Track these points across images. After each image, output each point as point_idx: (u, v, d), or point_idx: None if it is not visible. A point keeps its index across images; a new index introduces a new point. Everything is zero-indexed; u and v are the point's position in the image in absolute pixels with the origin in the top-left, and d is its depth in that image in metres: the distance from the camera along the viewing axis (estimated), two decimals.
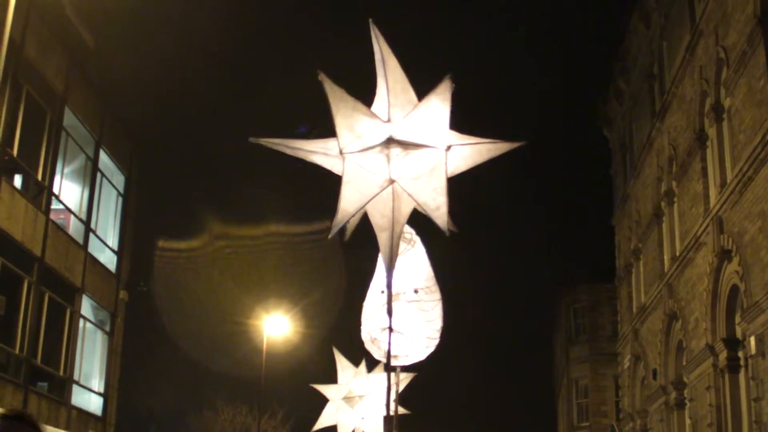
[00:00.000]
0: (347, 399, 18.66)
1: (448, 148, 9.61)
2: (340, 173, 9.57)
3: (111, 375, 34.97)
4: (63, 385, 30.78)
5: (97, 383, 34.40)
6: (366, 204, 9.41)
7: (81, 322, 32.22)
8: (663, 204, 32.50)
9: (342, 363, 19.05)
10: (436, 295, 12.66)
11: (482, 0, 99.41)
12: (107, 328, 34.98)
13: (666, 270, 31.66)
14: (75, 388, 31.56)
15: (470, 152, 9.93)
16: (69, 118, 30.76)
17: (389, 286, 10.11)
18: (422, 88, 9.24)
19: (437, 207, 9.38)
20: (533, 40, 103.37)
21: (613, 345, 46.14)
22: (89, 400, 33.56)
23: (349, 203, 9.34)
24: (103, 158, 34.16)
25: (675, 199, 30.99)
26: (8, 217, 26.15)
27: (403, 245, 11.92)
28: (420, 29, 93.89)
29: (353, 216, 9.52)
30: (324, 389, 19.43)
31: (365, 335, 12.68)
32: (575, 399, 55.89)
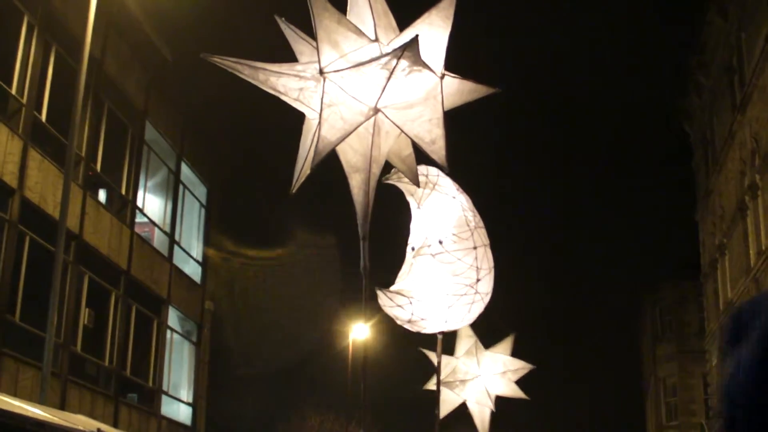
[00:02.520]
0: (448, 383, 18.19)
1: (443, 76, 8.40)
2: (308, 106, 8.41)
3: (199, 385, 35.35)
4: (152, 395, 31.20)
5: (186, 393, 34.81)
6: (351, 132, 8.10)
7: (168, 333, 32.64)
8: (747, 198, 32.01)
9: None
10: (468, 243, 11.63)
11: None
12: (194, 339, 35.39)
13: (752, 264, 31.17)
14: (164, 398, 31.97)
15: (453, 90, 8.54)
16: (150, 133, 31.20)
17: (364, 237, 8.62)
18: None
19: (433, 140, 8.17)
20: (611, 36, 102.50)
21: (700, 342, 45.54)
22: (178, 410, 33.97)
23: (330, 131, 8.07)
24: (185, 171, 34.58)
25: (759, 193, 30.50)
26: (94, 231, 26.60)
27: (419, 190, 11.41)
28: (495, 27, 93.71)
29: (332, 146, 8.13)
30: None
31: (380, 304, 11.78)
32: (663, 398, 55.20)
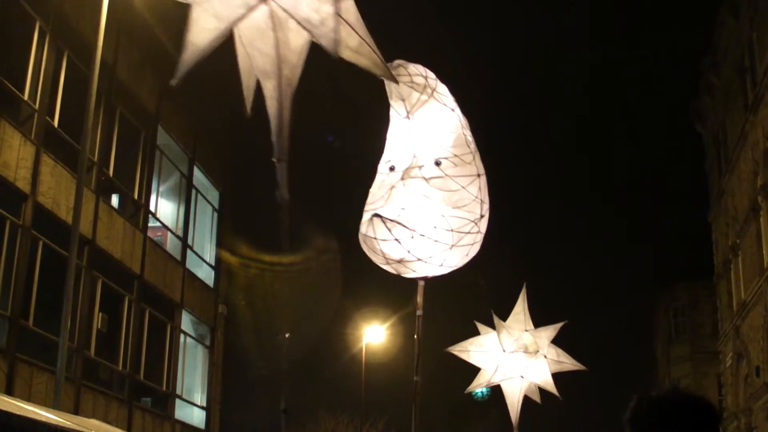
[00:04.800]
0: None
1: None
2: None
3: (213, 388, 35.40)
4: (166, 399, 31.26)
5: (200, 397, 34.87)
6: (225, 30, 6.37)
7: (182, 337, 32.70)
8: (760, 198, 31.94)
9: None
10: (471, 169, 9.54)
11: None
12: (207, 342, 35.45)
13: (765, 265, 31.10)
14: (178, 402, 32.03)
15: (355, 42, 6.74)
16: (162, 137, 31.27)
17: (281, 159, 6.80)
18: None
19: (322, 21, 6.38)
20: (622, 37, 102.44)
21: (714, 343, 45.44)
22: (192, 413, 34.02)
23: (200, 34, 6.59)
24: (198, 175, 34.65)
25: None
26: (107, 236, 26.67)
27: (415, 95, 9.50)
28: (506, 31, 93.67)
29: (203, 53, 6.71)
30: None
31: (361, 233, 9.72)
32: None
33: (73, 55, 24.84)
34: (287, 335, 8.05)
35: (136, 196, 29.34)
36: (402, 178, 9.40)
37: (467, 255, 9.77)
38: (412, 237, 9.28)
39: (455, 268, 9.90)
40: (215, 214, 36.71)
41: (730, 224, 37.42)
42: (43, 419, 13.26)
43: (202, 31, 6.60)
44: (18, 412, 12.18)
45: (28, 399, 20.15)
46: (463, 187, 9.42)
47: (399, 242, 9.33)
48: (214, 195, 36.68)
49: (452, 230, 9.43)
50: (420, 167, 9.36)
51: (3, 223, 21.83)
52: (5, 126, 21.51)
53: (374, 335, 42.91)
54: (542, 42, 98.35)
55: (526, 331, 16.26)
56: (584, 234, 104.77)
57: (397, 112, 9.72)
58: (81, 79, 23.01)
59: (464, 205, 9.45)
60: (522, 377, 16.39)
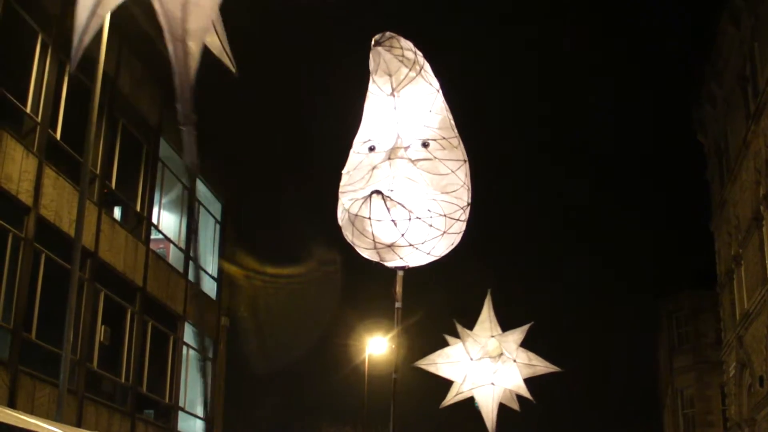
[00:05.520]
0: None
1: None
2: None
3: (215, 401, 35.35)
4: (169, 411, 31.22)
5: (202, 409, 34.81)
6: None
7: (184, 349, 32.66)
8: (762, 208, 31.93)
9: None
10: (458, 153, 9.10)
11: (570, 7, 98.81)
12: (210, 355, 35.40)
13: None
14: (180, 414, 31.99)
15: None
16: (165, 149, 31.29)
17: (185, 123, 6.31)
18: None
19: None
20: (624, 46, 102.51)
21: (717, 353, 45.39)
22: (195, 426, 33.97)
23: (82, 13, 6.28)
24: (200, 187, 34.65)
25: None
26: (109, 248, 26.67)
27: (403, 71, 8.98)
28: (504, 37, 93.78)
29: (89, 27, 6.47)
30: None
31: (342, 213, 9.19)
32: (681, 409, 54.97)
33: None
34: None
35: (138, 209, 29.35)
36: (389, 158, 8.86)
37: (452, 244, 9.38)
38: (410, 219, 8.82)
39: (439, 257, 9.44)
40: (218, 227, 36.70)
41: (733, 234, 37.39)
42: None
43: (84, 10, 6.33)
44: (20, 425, 12.16)
45: (31, 412, 20.15)
46: (452, 171, 9.00)
47: (395, 224, 8.81)
48: (216, 207, 36.68)
49: (445, 215, 9.00)
50: (405, 148, 8.89)
51: (5, 236, 21.84)
52: (8, 139, 21.54)
53: (377, 347, 42.84)
54: (541, 50, 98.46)
55: (492, 336, 15.96)
56: (586, 243, 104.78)
57: (379, 88, 9.23)
58: (83, 92, 23.05)
59: (453, 191, 9.03)
60: (492, 384, 16.03)
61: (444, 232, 9.05)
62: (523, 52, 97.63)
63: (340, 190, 9.16)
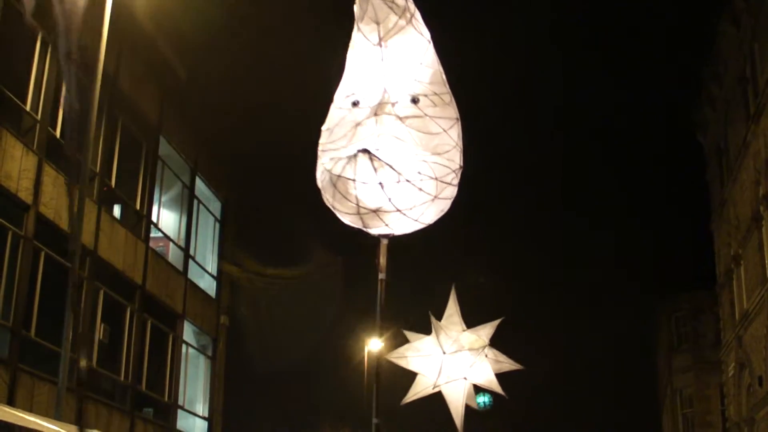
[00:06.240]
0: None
1: None
2: None
3: (215, 399, 35.39)
4: (168, 410, 31.24)
5: (202, 407, 34.85)
6: None
7: (183, 347, 32.70)
8: (762, 208, 31.93)
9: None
10: (450, 111, 8.23)
11: (565, 5, 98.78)
12: (209, 353, 35.44)
13: None
14: (180, 412, 32.02)
15: None
16: (164, 148, 31.32)
17: (69, 56, 5.49)
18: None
19: None
20: (623, 46, 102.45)
21: (716, 353, 45.37)
22: (194, 424, 34.01)
23: None
24: (199, 185, 34.68)
25: None
26: (109, 246, 26.69)
27: (392, 18, 8.25)
28: (503, 35, 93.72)
29: None
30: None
31: (322, 174, 8.34)
32: (680, 410, 54.94)
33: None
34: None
35: (138, 207, 29.37)
36: (375, 114, 8.04)
37: (442, 210, 8.51)
38: (398, 181, 8.01)
39: (427, 225, 8.62)
40: (217, 225, 36.73)
41: (732, 234, 37.39)
42: (46, 430, 13.26)
43: None
44: (20, 423, 12.19)
45: (30, 410, 20.15)
46: (444, 131, 8.18)
47: (382, 187, 7.99)
48: (216, 205, 36.71)
49: (437, 179, 8.17)
50: (393, 104, 8.03)
51: (5, 234, 21.85)
52: (7, 136, 21.56)
53: (377, 346, 42.80)
54: (540, 49, 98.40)
55: (465, 330, 15.56)
56: (585, 244, 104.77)
57: (365, 37, 8.39)
58: (82, 90, 23.05)
59: (445, 152, 8.22)
60: (465, 378, 15.06)
61: (435, 197, 8.21)
62: (519, 50, 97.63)
63: (320, 148, 8.34)
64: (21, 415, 13.59)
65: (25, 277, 22.16)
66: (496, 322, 15.39)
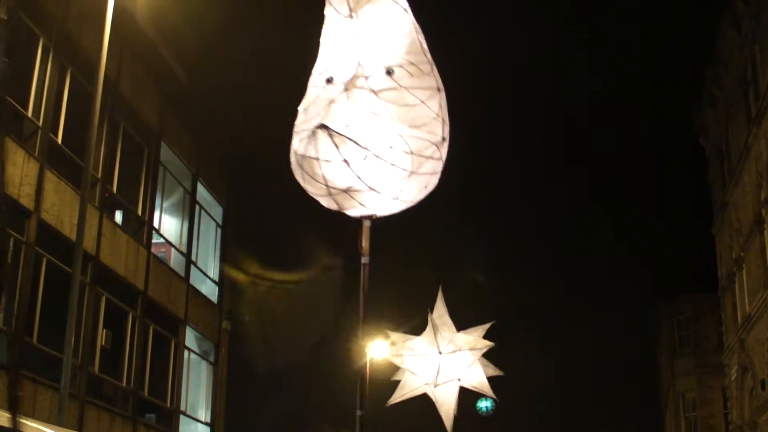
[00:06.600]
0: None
1: None
2: None
3: (217, 404, 35.35)
4: (170, 415, 31.20)
5: (204, 413, 34.81)
6: None
7: (186, 353, 32.66)
8: (764, 211, 31.91)
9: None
10: (429, 81, 7.71)
11: (564, 8, 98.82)
12: (211, 359, 35.40)
13: None
14: (182, 418, 31.97)
15: None
16: (166, 153, 31.31)
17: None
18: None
19: None
20: (624, 49, 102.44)
21: (718, 356, 45.34)
22: (196, 430, 33.96)
23: None
24: (201, 191, 34.66)
25: None
26: (111, 252, 26.67)
27: None
28: (504, 39, 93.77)
29: None
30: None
31: (292, 156, 7.83)
32: (683, 413, 54.91)
33: (77, 71, 24.90)
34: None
35: (139, 213, 29.36)
36: (346, 89, 7.56)
37: (426, 187, 7.95)
38: (365, 158, 7.47)
39: (412, 203, 8.07)
40: (219, 230, 36.71)
41: (734, 237, 37.37)
42: None
43: None
44: (23, 429, 12.17)
45: (33, 416, 20.13)
46: (422, 102, 7.60)
47: (348, 164, 7.48)
48: (217, 211, 36.69)
49: (412, 153, 7.63)
50: (367, 77, 7.54)
51: (7, 240, 21.81)
52: (9, 143, 21.52)
53: (378, 350, 42.76)
54: (542, 53, 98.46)
55: (458, 332, 15.12)
56: (586, 247, 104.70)
57: (336, 9, 7.97)
58: (84, 96, 23.07)
59: (424, 124, 7.66)
60: (459, 380, 14.88)
61: (411, 173, 7.65)
62: (523, 54, 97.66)
63: (294, 129, 7.93)
64: (24, 421, 13.58)
65: (27, 283, 22.13)
66: (487, 326, 15.03)
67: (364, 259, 8.19)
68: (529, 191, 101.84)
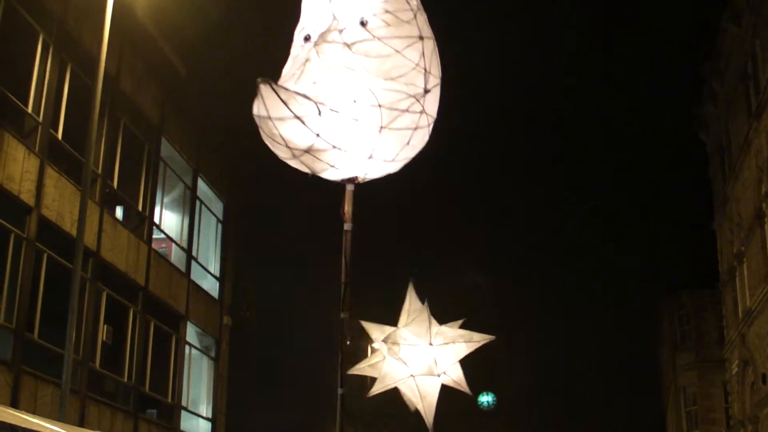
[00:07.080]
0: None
1: None
2: None
3: (218, 400, 35.37)
4: (171, 411, 31.23)
5: (205, 408, 34.83)
6: None
7: (186, 348, 32.66)
8: (764, 205, 31.90)
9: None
10: (410, 29, 7.15)
11: (564, 6, 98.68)
12: (212, 354, 35.41)
13: None
14: (183, 413, 31.99)
15: None
16: (166, 149, 31.30)
17: None
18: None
19: None
20: (624, 44, 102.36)
21: (720, 351, 45.36)
22: (198, 425, 33.99)
23: None
24: (201, 186, 34.64)
25: None
26: (111, 248, 26.67)
27: None
28: (502, 35, 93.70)
29: None
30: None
31: (255, 116, 7.14)
32: (684, 407, 54.92)
33: (77, 67, 24.89)
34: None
35: (140, 208, 29.35)
36: (315, 45, 7.05)
37: (408, 143, 7.34)
38: (320, 114, 6.90)
39: (396, 163, 7.49)
40: (219, 226, 36.70)
41: (735, 232, 37.36)
42: None
43: None
44: (24, 425, 12.17)
45: (34, 411, 20.15)
46: (397, 51, 7.05)
47: (302, 121, 6.90)
48: (218, 206, 36.68)
49: (380, 106, 7.01)
50: (341, 31, 7.05)
51: (7, 236, 21.84)
52: (9, 139, 21.54)
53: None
54: (541, 48, 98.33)
55: (442, 325, 14.58)
56: (587, 243, 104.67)
57: None
58: (84, 91, 23.07)
59: (400, 75, 7.08)
60: (445, 373, 14.06)
61: (382, 128, 7.09)
62: (520, 50, 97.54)
63: None
64: (25, 417, 13.58)
65: (27, 279, 22.14)
66: (459, 322, 14.45)
67: (347, 226, 7.83)
68: (529, 183, 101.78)
